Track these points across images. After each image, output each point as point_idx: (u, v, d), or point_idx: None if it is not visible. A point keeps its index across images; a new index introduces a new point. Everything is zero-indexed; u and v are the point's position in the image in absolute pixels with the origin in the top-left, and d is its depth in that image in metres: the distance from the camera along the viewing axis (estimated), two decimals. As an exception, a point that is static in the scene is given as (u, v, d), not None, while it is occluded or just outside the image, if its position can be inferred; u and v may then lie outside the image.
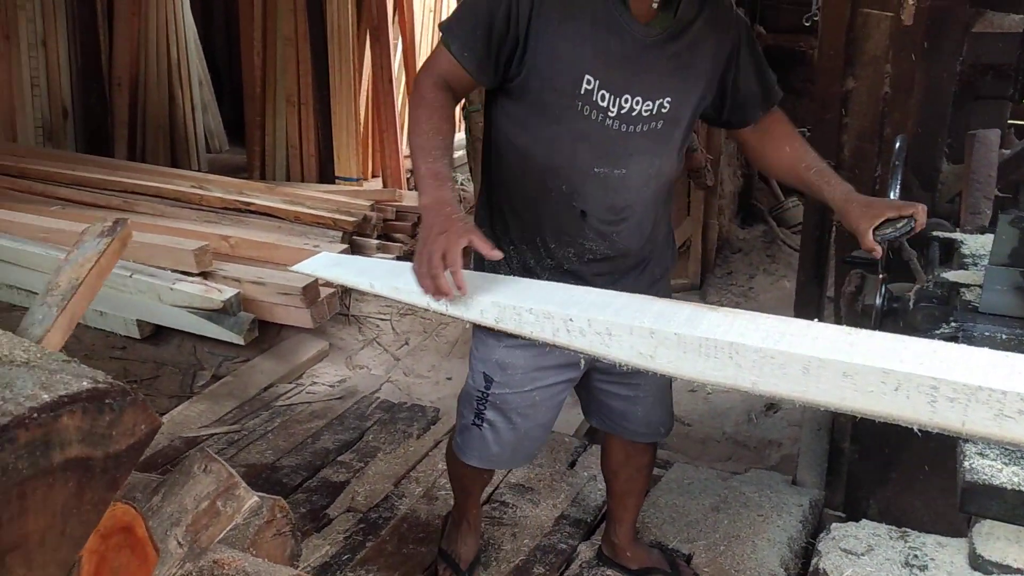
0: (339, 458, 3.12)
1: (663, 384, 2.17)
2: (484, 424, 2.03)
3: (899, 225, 1.82)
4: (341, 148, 5.73)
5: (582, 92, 1.71)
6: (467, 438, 2.09)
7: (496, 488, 2.90)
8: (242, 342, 3.83)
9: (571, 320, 1.54)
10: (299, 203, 4.79)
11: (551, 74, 1.72)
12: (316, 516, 2.78)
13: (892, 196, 2.16)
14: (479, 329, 1.96)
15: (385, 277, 1.79)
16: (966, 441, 1.32)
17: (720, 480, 2.91)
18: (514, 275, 1.86)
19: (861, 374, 1.27)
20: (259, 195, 4.89)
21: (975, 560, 1.73)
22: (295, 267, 1.95)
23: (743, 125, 2.00)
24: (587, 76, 1.70)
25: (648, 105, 1.76)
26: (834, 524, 1.91)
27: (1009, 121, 3.06)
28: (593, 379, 2.12)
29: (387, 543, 2.62)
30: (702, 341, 1.42)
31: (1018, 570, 1.70)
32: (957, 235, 2.09)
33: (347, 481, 2.97)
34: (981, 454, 1.29)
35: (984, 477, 1.24)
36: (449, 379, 4.09)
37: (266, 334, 4.06)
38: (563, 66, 1.71)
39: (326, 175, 5.62)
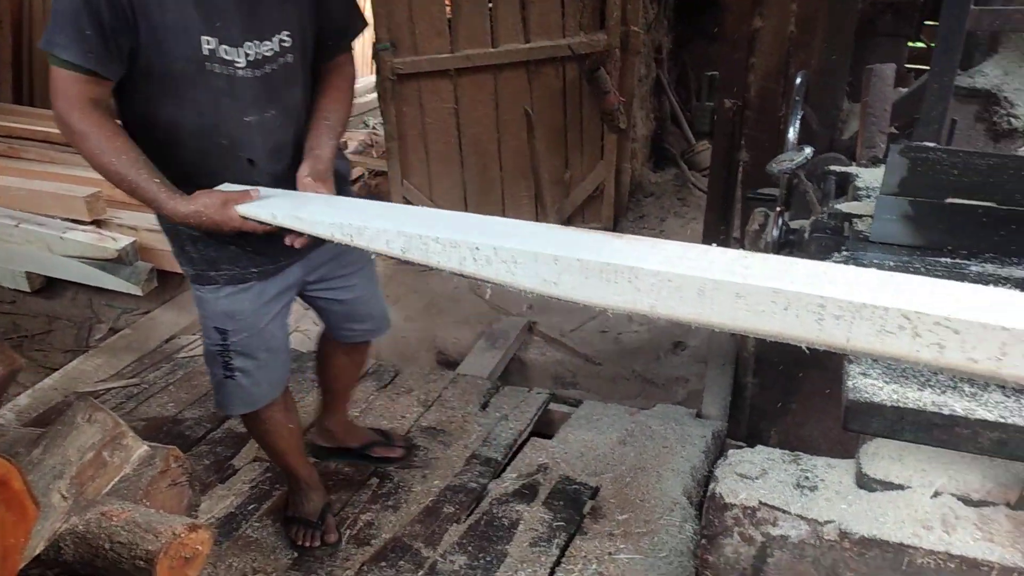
0: (245, 407, 3.03)
1: (373, 282, 2.32)
2: (236, 373, 2.06)
3: (796, 158, 1.84)
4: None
5: (205, 54, 1.69)
6: (225, 393, 2.11)
7: (407, 432, 2.88)
8: (140, 293, 3.68)
9: (478, 249, 1.52)
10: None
11: (170, 47, 1.67)
12: (221, 467, 2.71)
13: (791, 133, 2.19)
14: (196, 288, 2.01)
15: (288, 208, 1.74)
16: (851, 362, 1.36)
17: (628, 415, 2.96)
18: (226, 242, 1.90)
19: (753, 295, 1.28)
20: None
21: (861, 479, 1.81)
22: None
23: (327, 60, 1.97)
24: (204, 39, 1.68)
25: (268, 44, 1.77)
26: (731, 451, 1.96)
27: (907, 65, 3.14)
28: (311, 291, 2.20)
29: (295, 490, 2.57)
30: (603, 266, 1.41)
31: (900, 486, 1.78)
32: (853, 169, 2.13)
33: (253, 430, 2.89)
34: (864, 374, 1.32)
35: (866, 395, 1.27)
36: (361, 326, 4.03)
37: (167, 284, 3.90)
38: (178, 37, 1.66)
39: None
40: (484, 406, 3.05)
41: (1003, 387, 1.29)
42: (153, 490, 1.74)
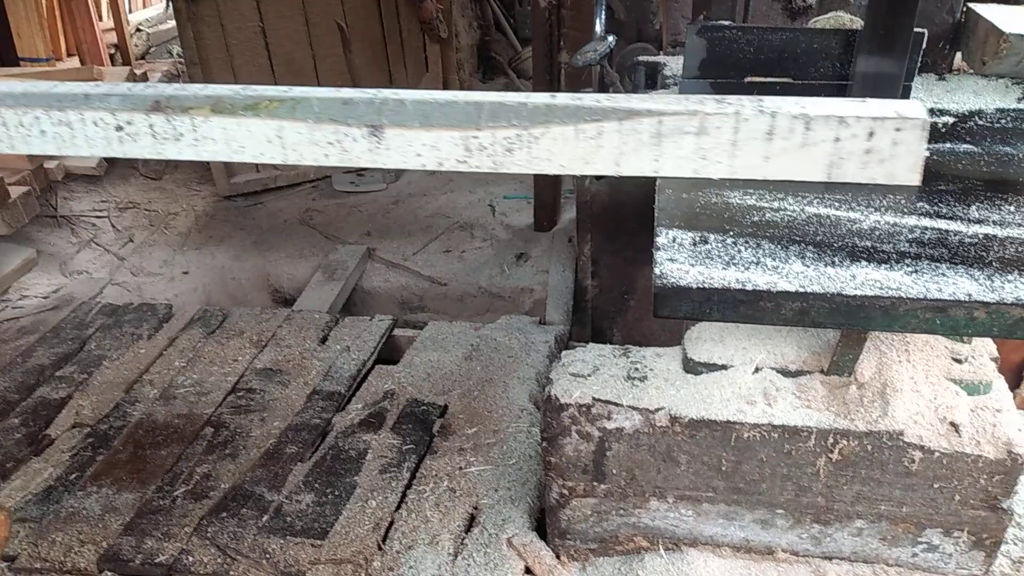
0: (57, 373, 2.77)
1: None
2: None
3: (599, 48, 1.78)
4: (20, 24, 4.86)
5: None
6: None
7: (241, 376, 2.72)
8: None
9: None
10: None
11: None
12: (34, 439, 2.46)
13: (597, 25, 2.13)
14: None
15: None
16: (658, 249, 1.34)
17: (473, 331, 2.92)
18: None
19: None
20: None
21: (687, 364, 1.84)
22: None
23: None
24: None
25: None
26: (564, 352, 1.95)
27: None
28: None
29: (120, 453, 2.38)
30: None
31: (723, 366, 1.83)
32: (661, 58, 2.11)
33: (69, 396, 2.65)
34: (671, 259, 1.31)
35: (672, 280, 1.26)
36: (186, 273, 3.75)
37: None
38: None
39: (7, 57, 4.78)
40: (323, 340, 2.92)
41: (802, 257, 1.30)
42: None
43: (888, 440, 1.66)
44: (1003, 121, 1.77)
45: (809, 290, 1.23)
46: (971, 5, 2.03)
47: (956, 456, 1.66)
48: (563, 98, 1.51)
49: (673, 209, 1.46)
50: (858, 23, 1.68)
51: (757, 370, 1.78)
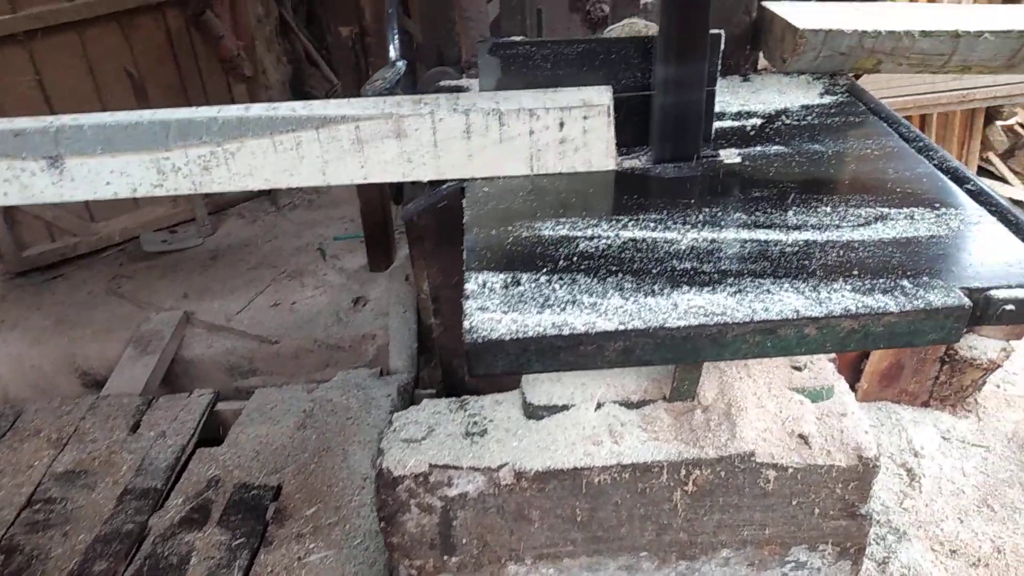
0: None
1: None
2: None
3: (388, 75, 1.61)
4: None
5: None
6: None
7: (38, 486, 2.34)
8: None
9: None
10: None
11: None
12: None
13: (391, 50, 1.97)
14: None
15: None
16: (467, 298, 1.17)
17: (306, 394, 2.67)
18: None
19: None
20: None
21: (528, 409, 1.68)
22: None
23: None
24: None
25: None
26: (395, 415, 1.76)
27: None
28: None
29: None
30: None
31: (564, 406, 1.69)
32: (464, 81, 1.96)
33: None
34: (482, 308, 1.14)
35: (484, 333, 1.09)
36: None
37: None
38: None
39: None
40: (135, 428, 2.58)
41: (620, 289, 1.17)
42: None
43: (740, 463, 1.57)
44: (809, 118, 1.73)
45: (630, 327, 1.10)
46: (765, 3, 2.02)
47: (809, 469, 1.59)
48: (256, 109, 1.44)
49: (482, 249, 1.30)
50: (653, 29, 1.59)
51: (599, 406, 1.65)
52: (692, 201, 1.41)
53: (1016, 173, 3.51)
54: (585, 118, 1.44)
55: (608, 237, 1.31)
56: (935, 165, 1.51)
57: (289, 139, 1.42)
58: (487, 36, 1.78)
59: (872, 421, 2.36)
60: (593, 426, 1.62)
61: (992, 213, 1.33)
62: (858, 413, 1.65)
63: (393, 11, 1.94)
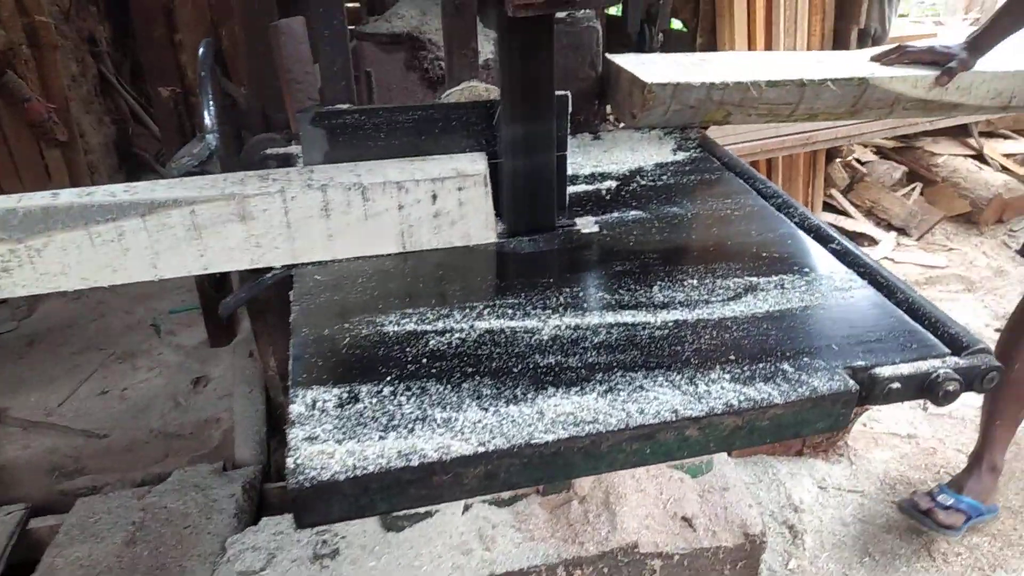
0: None
1: None
2: None
3: (196, 151, 1.40)
4: None
5: None
6: None
7: None
8: None
9: None
10: None
11: None
12: None
13: (206, 118, 1.74)
14: None
15: None
16: (292, 425, 0.97)
17: (136, 500, 2.34)
18: None
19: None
20: None
21: (385, 520, 1.49)
22: None
23: None
24: None
25: None
26: (228, 541, 1.51)
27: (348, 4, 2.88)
28: None
29: None
30: None
31: (427, 513, 1.51)
32: (294, 148, 1.76)
33: None
34: (311, 438, 0.95)
35: (314, 473, 0.90)
36: None
37: None
38: None
39: None
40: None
41: (479, 397, 1.01)
42: None
43: (623, 556, 1.43)
44: (664, 177, 1.65)
45: (492, 447, 0.93)
46: (609, 56, 1.95)
47: (696, 554, 1.47)
48: (66, 196, 1.24)
49: (312, 356, 1.11)
50: (495, 92, 1.46)
51: (467, 508, 1.48)
52: (551, 280, 1.28)
53: (856, 206, 3.66)
54: (460, 189, 1.32)
55: (462, 330, 1.15)
56: (796, 224, 1.45)
57: (110, 230, 1.22)
58: (309, 104, 1.60)
59: (750, 478, 2.31)
60: (461, 532, 1.44)
61: (862, 276, 1.27)
62: (739, 486, 1.55)
63: (207, 74, 1.72)
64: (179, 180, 1.31)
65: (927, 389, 1.05)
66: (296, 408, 1.00)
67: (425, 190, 1.30)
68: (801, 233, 1.41)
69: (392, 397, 1.01)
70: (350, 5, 2.33)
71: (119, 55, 4.75)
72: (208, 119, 1.72)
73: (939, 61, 1.87)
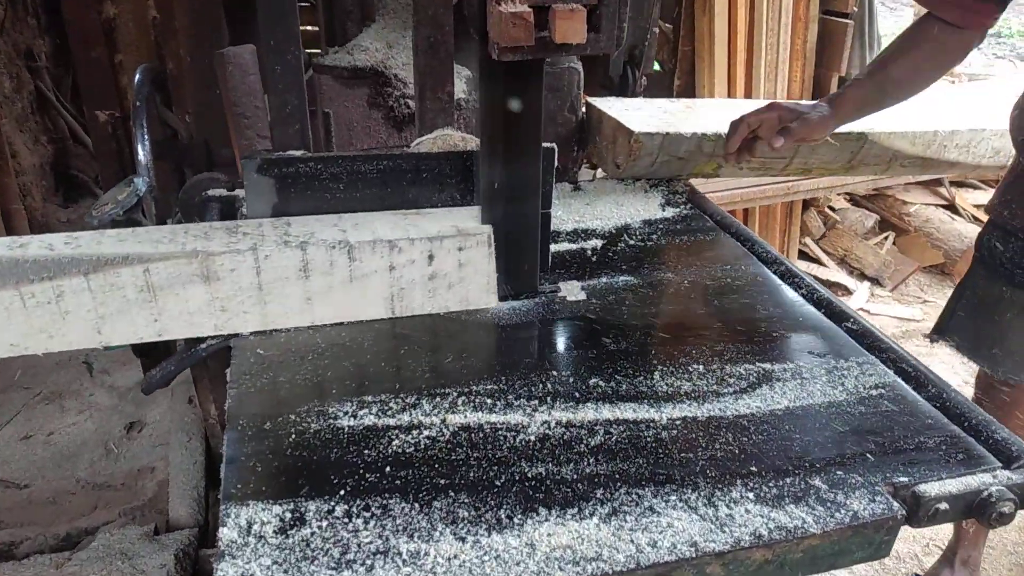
0: None
1: None
2: None
3: (122, 197, 1.20)
4: None
5: None
6: None
7: None
8: None
9: None
10: None
11: None
12: None
13: (139, 151, 1.54)
14: None
15: None
16: (222, 558, 0.77)
17: (53, 570, 2.08)
18: None
19: None
20: None
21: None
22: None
23: None
24: None
25: None
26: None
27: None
28: None
29: None
30: None
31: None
32: (240, 192, 1.57)
33: None
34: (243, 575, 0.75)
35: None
36: None
37: None
38: None
39: None
40: None
41: (454, 521, 0.83)
42: None
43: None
44: (654, 236, 1.50)
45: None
46: (590, 100, 1.80)
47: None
48: None
49: (248, 459, 0.92)
50: (472, 142, 1.30)
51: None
52: (536, 360, 1.11)
53: (828, 253, 3.57)
54: (460, 249, 1.17)
55: (432, 426, 0.97)
56: (804, 296, 1.30)
57: (45, 290, 1.04)
58: (259, 142, 1.41)
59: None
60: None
61: (885, 362, 1.12)
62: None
63: (142, 104, 1.52)
64: (131, 232, 1.14)
65: (978, 510, 0.90)
66: (227, 533, 0.81)
67: (421, 250, 1.15)
68: (811, 308, 1.27)
69: (346, 520, 0.83)
70: (307, 29, 2.15)
71: (60, 71, 4.48)
72: (142, 154, 1.52)
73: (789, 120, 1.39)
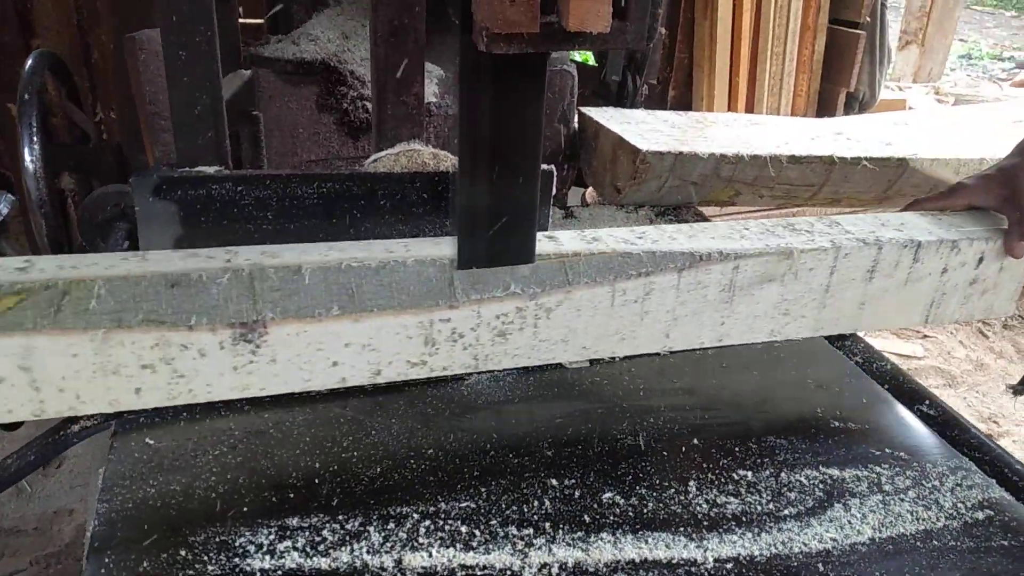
0: None
1: None
2: None
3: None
4: None
5: None
6: None
7: None
8: None
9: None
10: None
11: None
12: None
13: (27, 154, 1.23)
14: None
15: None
16: None
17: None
18: None
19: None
20: None
21: None
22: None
23: None
24: None
25: None
26: None
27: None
28: None
29: None
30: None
31: None
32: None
33: None
34: None
35: None
36: None
37: None
38: None
39: None
40: None
41: None
42: None
43: None
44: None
45: None
46: (584, 110, 1.52)
47: None
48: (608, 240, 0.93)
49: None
50: (449, 160, 1.00)
51: None
52: (528, 460, 0.82)
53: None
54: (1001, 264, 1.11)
55: (383, 570, 0.68)
56: (860, 365, 1.03)
57: (636, 287, 0.93)
58: (157, 164, 1.10)
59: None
60: None
61: (980, 464, 0.85)
62: None
63: (31, 98, 1.21)
64: (712, 225, 1.01)
65: None
66: None
67: (975, 251, 1.08)
68: (870, 382, 1.00)
69: None
70: (250, 22, 1.84)
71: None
72: (29, 160, 1.20)
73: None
